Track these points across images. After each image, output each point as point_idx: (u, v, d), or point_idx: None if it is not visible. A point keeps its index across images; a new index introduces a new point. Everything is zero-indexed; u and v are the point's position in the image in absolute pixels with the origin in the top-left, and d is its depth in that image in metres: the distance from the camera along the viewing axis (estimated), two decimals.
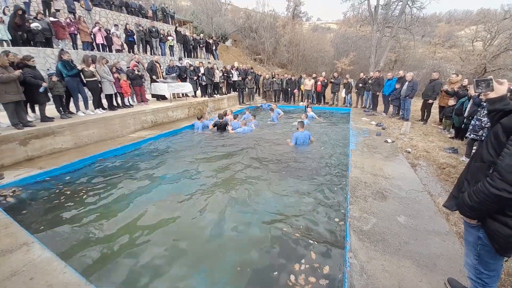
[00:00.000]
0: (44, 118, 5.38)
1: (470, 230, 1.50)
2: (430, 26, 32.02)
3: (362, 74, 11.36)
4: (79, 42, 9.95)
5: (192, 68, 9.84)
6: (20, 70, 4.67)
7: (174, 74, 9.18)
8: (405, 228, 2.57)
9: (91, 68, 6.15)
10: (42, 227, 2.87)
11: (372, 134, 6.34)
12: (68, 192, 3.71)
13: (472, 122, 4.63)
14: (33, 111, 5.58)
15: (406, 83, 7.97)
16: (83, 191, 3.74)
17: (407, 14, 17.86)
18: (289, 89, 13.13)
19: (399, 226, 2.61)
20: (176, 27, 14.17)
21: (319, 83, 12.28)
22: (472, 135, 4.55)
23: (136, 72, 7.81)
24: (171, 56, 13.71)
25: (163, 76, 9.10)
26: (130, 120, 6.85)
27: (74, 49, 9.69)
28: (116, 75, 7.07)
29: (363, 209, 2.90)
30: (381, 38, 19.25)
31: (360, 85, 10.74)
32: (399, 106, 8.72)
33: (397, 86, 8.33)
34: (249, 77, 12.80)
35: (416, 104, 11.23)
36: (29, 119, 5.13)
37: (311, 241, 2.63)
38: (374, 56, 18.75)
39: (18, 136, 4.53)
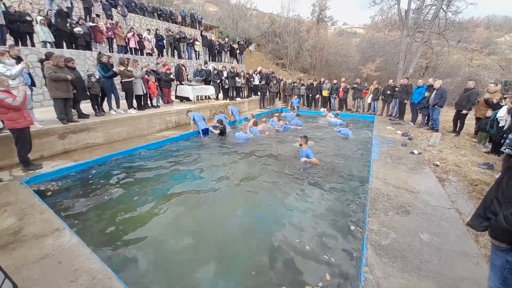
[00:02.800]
0: (81, 115, 5.89)
1: (499, 253, 1.39)
2: (467, 31, 29.81)
3: (391, 80, 10.91)
4: (114, 46, 10.75)
5: (216, 71, 10.15)
6: (71, 74, 5.17)
7: (200, 78, 9.54)
8: (427, 246, 2.42)
9: (131, 68, 6.63)
10: (73, 216, 3.13)
11: (397, 144, 6.05)
12: (97, 185, 4.01)
13: (510, 136, 4.23)
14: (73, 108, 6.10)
15: (434, 91, 7.52)
16: (110, 184, 4.03)
17: (441, 18, 16.82)
18: (310, 94, 13.01)
19: (421, 243, 2.46)
20: (201, 32, 14.72)
21: (341, 89, 12.03)
22: (507, 150, 4.15)
23: (170, 76, 8.28)
24: (197, 59, 14.27)
25: (188, 79, 9.50)
26: (156, 120, 7.22)
27: (110, 52, 10.49)
28: (146, 77, 7.54)
29: (383, 223, 2.78)
30: (411, 44, 18.31)
31: (388, 92, 10.30)
32: (428, 116, 8.22)
33: (427, 94, 7.87)
34: (274, 81, 12.90)
35: (447, 114, 10.51)
36: None
37: (325, 252, 2.58)
38: (403, 62, 17.88)
39: (57, 130, 5.00)
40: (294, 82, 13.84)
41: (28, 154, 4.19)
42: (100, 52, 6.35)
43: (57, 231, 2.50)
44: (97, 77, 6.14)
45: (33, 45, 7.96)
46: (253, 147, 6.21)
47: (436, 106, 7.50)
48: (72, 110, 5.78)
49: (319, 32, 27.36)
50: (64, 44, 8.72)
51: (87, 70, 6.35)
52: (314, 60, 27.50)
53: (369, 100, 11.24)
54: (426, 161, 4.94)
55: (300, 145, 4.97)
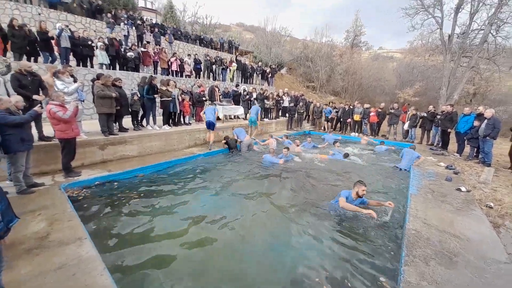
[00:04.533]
0: (122, 129, 6.44)
1: None
2: None
3: (431, 106, 10.08)
4: (158, 68, 11.91)
5: (245, 93, 10.51)
6: (116, 92, 5.79)
7: (229, 98, 9.96)
8: None
9: (171, 89, 7.23)
10: (96, 225, 3.27)
11: (441, 178, 5.36)
12: (125, 196, 4.20)
13: None
14: (115, 122, 6.72)
15: (485, 120, 6.66)
16: (137, 197, 4.18)
17: (490, 43, 15.49)
18: (341, 118, 12.62)
19: None
20: (236, 57, 15.65)
21: (372, 114, 11.45)
22: None
23: (203, 98, 8.82)
24: (231, 81, 15.07)
25: (219, 99, 9.96)
26: (186, 136, 7.57)
27: (154, 73, 11.63)
28: (182, 96, 8.11)
29: (423, 274, 2.34)
30: (455, 69, 17.03)
31: (428, 119, 9.49)
32: (478, 148, 7.26)
33: (476, 123, 7.02)
34: (301, 104, 12.88)
35: (500, 146, 9.20)
36: None
37: None
38: (446, 88, 16.57)
39: (99, 141, 5.50)
40: (326, 105, 13.63)
41: (70, 162, 4.62)
42: (152, 75, 7.03)
43: (79, 240, 2.61)
44: (139, 95, 6.73)
45: (91, 66, 9.21)
46: (281, 172, 5.96)
47: (487, 138, 6.60)
48: (114, 124, 6.38)
49: (353, 56, 27.13)
50: (117, 66, 9.96)
51: (132, 89, 7.03)
52: (346, 84, 27.07)
53: (406, 126, 10.44)
54: (476, 201, 4.24)
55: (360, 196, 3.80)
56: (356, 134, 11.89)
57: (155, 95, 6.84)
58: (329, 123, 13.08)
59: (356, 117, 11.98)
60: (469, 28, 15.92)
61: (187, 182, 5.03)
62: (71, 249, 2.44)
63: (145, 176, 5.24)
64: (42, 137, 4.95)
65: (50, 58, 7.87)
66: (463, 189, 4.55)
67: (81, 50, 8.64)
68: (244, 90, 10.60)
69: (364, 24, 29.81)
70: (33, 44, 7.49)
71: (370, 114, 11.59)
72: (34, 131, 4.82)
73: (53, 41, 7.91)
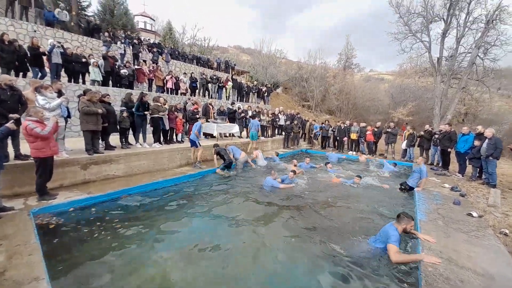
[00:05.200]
0: (108, 147, 6.05)
1: None
2: (506, 78, 28.00)
3: (427, 126, 10.04)
4: (153, 86, 11.81)
5: (240, 110, 10.36)
6: (103, 108, 5.49)
7: (224, 116, 9.77)
8: None
9: (165, 105, 7.00)
10: (60, 262, 2.78)
11: (447, 201, 5.03)
12: (103, 224, 3.71)
13: None
14: (102, 140, 6.34)
15: (486, 140, 6.53)
16: (117, 226, 3.70)
17: (479, 65, 16.08)
18: (337, 137, 12.49)
19: None
20: (232, 76, 15.81)
21: (369, 132, 11.37)
22: None
23: (196, 115, 8.59)
24: (227, 100, 15.05)
25: (214, 117, 9.76)
26: (178, 155, 7.20)
27: (149, 90, 11.49)
28: (175, 114, 7.85)
29: None
30: (446, 89, 17.48)
31: (426, 138, 9.40)
32: (480, 168, 7.05)
33: (477, 143, 6.87)
34: (295, 122, 12.77)
35: (501, 166, 9.04)
36: None
37: None
38: (439, 108, 16.84)
39: (81, 160, 5.09)
40: (322, 123, 13.55)
41: (46, 183, 4.18)
42: (142, 92, 6.82)
43: (35, 281, 2.14)
44: (128, 112, 6.44)
45: (83, 82, 9.00)
46: (284, 197, 5.43)
47: (490, 158, 6.41)
48: (100, 141, 5.99)
49: (346, 77, 27.92)
50: (110, 82, 9.79)
51: (120, 106, 6.76)
52: (340, 103, 27.54)
53: (403, 146, 10.30)
54: (490, 228, 3.90)
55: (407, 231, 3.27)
56: (354, 153, 11.71)
57: (146, 112, 6.56)
58: (316, 140, 13.11)
59: (353, 136, 11.88)
60: (456, 51, 16.59)
61: (175, 208, 4.56)
62: None
63: (129, 199, 4.77)
64: (18, 156, 4.54)
65: (39, 74, 7.65)
66: (474, 214, 4.22)
67: (73, 67, 8.47)
68: (239, 108, 10.45)
69: (356, 47, 31.21)
70: (23, 59, 7.29)
71: (367, 133, 11.51)
72: (10, 149, 4.45)
73: (44, 57, 7.74)
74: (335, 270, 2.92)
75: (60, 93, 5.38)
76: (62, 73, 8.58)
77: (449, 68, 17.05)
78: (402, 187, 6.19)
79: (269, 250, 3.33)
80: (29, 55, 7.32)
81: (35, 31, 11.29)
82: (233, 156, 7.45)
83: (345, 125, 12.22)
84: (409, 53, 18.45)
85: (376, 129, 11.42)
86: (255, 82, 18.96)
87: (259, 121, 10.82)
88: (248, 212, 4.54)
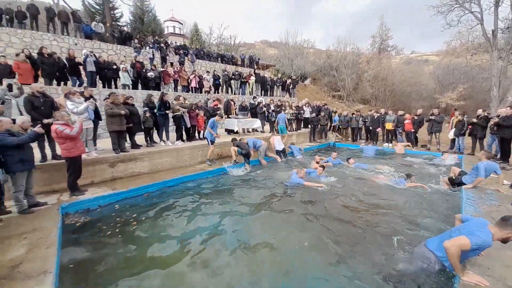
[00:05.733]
0: (134, 146, 6.39)
1: None
2: None
3: (480, 110, 8.51)
4: (179, 87, 12.25)
5: (261, 105, 10.12)
6: (126, 110, 5.80)
7: (245, 112, 9.65)
8: None
9: (179, 104, 7.15)
10: (74, 255, 2.93)
11: (504, 201, 4.12)
12: (123, 220, 3.88)
13: None
14: (127, 139, 6.71)
15: None
16: (134, 222, 3.84)
17: None
18: (370, 127, 11.43)
19: None
20: (254, 70, 15.57)
21: (407, 121, 10.12)
22: None
23: (217, 112, 8.63)
24: (250, 95, 14.94)
25: (235, 113, 9.70)
26: (199, 152, 7.30)
27: (174, 91, 11.96)
28: (197, 111, 7.98)
29: None
30: (505, 67, 14.69)
31: (480, 125, 7.96)
32: None
33: None
34: (322, 114, 12.04)
35: None
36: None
37: None
38: (497, 89, 14.28)
39: (109, 159, 5.44)
40: (352, 114, 12.55)
41: (76, 181, 4.54)
42: (163, 92, 7.07)
43: (43, 274, 2.26)
44: (150, 112, 6.70)
45: (116, 87, 9.71)
46: (306, 196, 4.99)
47: None
48: (127, 141, 6.35)
49: (381, 62, 25.46)
50: (140, 85, 10.41)
51: (139, 106, 7.09)
52: (375, 90, 25.27)
53: (451, 135, 8.92)
54: None
55: None
56: (390, 145, 10.58)
57: (167, 111, 6.75)
58: (335, 132, 12.28)
59: (388, 126, 10.72)
60: None
61: (192, 204, 4.56)
62: (29, 286, 2.09)
63: (152, 195, 4.94)
64: (55, 156, 5.01)
65: (77, 82, 8.45)
66: None
67: (106, 73, 9.18)
68: (259, 103, 10.20)
69: (393, 29, 28.23)
70: (62, 70, 8.11)
71: (405, 122, 10.28)
72: (47, 150, 4.95)
73: (81, 67, 8.52)
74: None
75: (91, 98, 5.83)
76: (97, 79, 9.39)
77: (507, 42, 14.28)
78: (454, 180, 5.24)
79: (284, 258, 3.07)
80: (67, 65, 8.12)
81: (76, 44, 12.56)
82: (254, 147, 7.34)
83: (379, 114, 11.09)
84: (456, 27, 15.91)
85: (416, 117, 10.12)
86: (279, 75, 18.41)
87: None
88: (266, 213, 4.27)
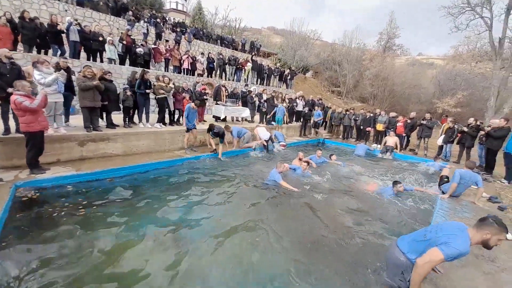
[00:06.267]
0: (110, 125, 6.11)
1: None
2: None
3: (472, 119, 8.35)
4: (170, 66, 11.75)
5: (253, 94, 9.79)
6: (99, 82, 5.46)
7: (235, 99, 9.34)
8: None
9: (159, 87, 6.79)
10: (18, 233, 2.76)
11: (478, 214, 4.04)
12: (74, 204, 3.66)
13: None
14: (102, 118, 6.37)
15: None
16: (91, 206, 3.65)
17: None
18: (361, 126, 11.24)
19: None
20: (252, 56, 15.02)
21: (400, 124, 9.94)
22: None
23: (204, 96, 8.31)
24: (245, 82, 14.49)
25: (225, 100, 9.38)
26: (180, 137, 7.05)
27: (165, 70, 11.48)
28: (183, 94, 7.66)
29: None
30: (507, 78, 14.45)
31: (470, 134, 7.83)
32: None
33: None
34: (319, 109, 11.76)
35: None
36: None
37: None
38: (495, 99, 14.12)
39: (78, 137, 5.17)
40: (346, 111, 12.28)
41: (37, 157, 4.30)
42: (144, 69, 6.69)
43: None
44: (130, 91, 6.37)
45: (101, 61, 9.24)
46: (280, 196, 4.75)
47: None
48: (100, 119, 6.05)
49: (385, 60, 24.90)
50: (127, 61, 9.92)
51: (124, 84, 6.74)
52: (375, 89, 24.90)
53: (440, 141, 8.79)
54: None
55: None
56: (379, 146, 10.44)
57: (148, 90, 6.42)
58: (316, 129, 11.96)
59: (379, 127, 10.57)
60: None
61: (155, 194, 4.33)
62: None
63: (117, 181, 4.72)
64: (18, 129, 4.71)
65: (59, 51, 7.98)
66: (509, 236, 3.26)
67: (91, 44, 8.68)
68: (251, 91, 9.87)
69: (402, 27, 27.42)
70: (44, 37, 7.61)
71: (397, 125, 10.10)
72: (11, 123, 4.66)
73: (63, 35, 8.01)
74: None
75: (68, 71, 5.48)
76: (82, 51, 8.89)
77: None
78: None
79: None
80: (48, 32, 7.61)
81: (66, 10, 11.83)
82: (238, 136, 7.27)
83: (371, 114, 10.88)
84: (464, 31, 15.46)
85: (409, 121, 9.94)
86: (278, 64, 17.87)
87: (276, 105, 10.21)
88: (237, 213, 4.02)
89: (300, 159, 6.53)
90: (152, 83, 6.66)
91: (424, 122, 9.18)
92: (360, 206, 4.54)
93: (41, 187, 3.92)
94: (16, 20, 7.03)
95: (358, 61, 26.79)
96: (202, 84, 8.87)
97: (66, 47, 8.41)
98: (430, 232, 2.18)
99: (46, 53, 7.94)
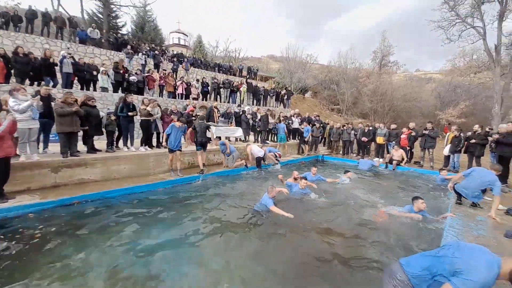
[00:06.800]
0: (90, 150, 5.89)
1: None
2: None
3: (476, 126, 7.85)
4: (164, 92, 11.95)
5: (246, 113, 9.66)
6: (78, 107, 5.37)
7: (227, 120, 9.21)
8: None
9: (147, 107, 6.71)
10: None
11: (495, 231, 3.41)
12: (43, 233, 3.32)
13: None
14: (85, 143, 6.18)
15: None
16: (50, 236, 3.26)
17: None
18: (361, 141, 10.80)
19: None
20: (246, 79, 15.30)
21: (403, 136, 9.47)
22: None
23: (192, 117, 8.20)
24: (241, 104, 14.54)
25: (217, 121, 9.24)
26: (165, 159, 6.75)
27: (160, 97, 11.66)
28: (171, 116, 7.56)
29: None
30: (508, 84, 14.07)
31: (478, 143, 7.25)
32: None
33: None
34: (317, 125, 11.45)
35: None
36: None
37: None
38: (500, 106, 13.59)
39: (52, 163, 4.93)
40: (343, 126, 11.92)
41: (2, 186, 4.02)
42: (126, 93, 6.69)
43: None
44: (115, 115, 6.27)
45: (94, 90, 9.42)
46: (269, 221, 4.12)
47: None
48: (83, 144, 5.87)
49: (381, 77, 25.12)
50: (120, 90, 10.12)
51: (108, 109, 6.69)
52: (374, 105, 24.75)
53: (446, 151, 8.20)
54: None
55: None
56: (381, 160, 9.87)
57: (130, 113, 6.30)
58: (306, 146, 11.32)
59: (380, 140, 10.12)
60: None
61: (130, 220, 3.94)
62: None
63: (86, 205, 4.34)
64: None
65: (51, 83, 8.18)
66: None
67: (84, 75, 8.93)
68: (244, 111, 9.74)
69: (397, 46, 28.13)
70: (38, 69, 7.86)
71: (401, 137, 9.60)
72: None
73: (57, 67, 8.28)
74: None
75: (49, 99, 5.45)
76: (76, 81, 9.14)
77: (511, 58, 13.76)
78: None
79: None
80: (42, 65, 7.88)
81: (68, 48, 12.55)
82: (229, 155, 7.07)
83: (370, 128, 10.49)
84: (457, 42, 15.55)
85: (413, 134, 9.37)
86: (273, 85, 18.13)
87: (269, 123, 10.00)
88: (216, 239, 3.57)
89: (295, 179, 6.00)
90: (135, 106, 6.57)
91: (427, 132, 8.69)
92: (359, 232, 3.91)
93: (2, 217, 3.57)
94: (10, 55, 7.32)
95: (355, 79, 27.15)
96: (192, 106, 8.81)
97: (59, 79, 8.64)
98: (444, 249, 1.72)
99: (39, 85, 8.13)
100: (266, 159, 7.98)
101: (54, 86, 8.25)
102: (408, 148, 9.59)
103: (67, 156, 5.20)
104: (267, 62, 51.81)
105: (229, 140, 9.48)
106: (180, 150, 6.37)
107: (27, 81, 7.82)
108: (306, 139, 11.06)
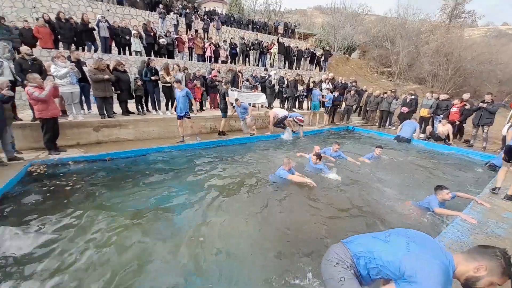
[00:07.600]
0: (124, 112, 6.60)
1: None
2: None
3: None
4: (194, 55, 12.01)
5: (271, 78, 9.26)
6: (110, 74, 5.89)
7: (251, 85, 9.01)
8: None
9: (165, 75, 6.96)
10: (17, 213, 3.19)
11: None
12: (83, 181, 4.13)
13: None
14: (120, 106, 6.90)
15: None
16: (94, 184, 4.05)
17: None
18: (401, 111, 9.60)
19: None
20: (278, 39, 14.12)
21: (455, 109, 8.05)
22: None
23: (215, 82, 8.25)
24: (272, 67, 13.85)
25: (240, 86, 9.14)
26: (189, 123, 7.18)
27: (189, 59, 11.81)
28: (195, 82, 7.75)
29: None
30: None
31: None
32: None
33: None
34: (352, 92, 10.47)
35: None
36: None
37: None
38: None
39: (92, 123, 5.74)
40: (384, 93, 10.62)
41: (53, 141, 4.92)
42: (149, 58, 6.94)
43: None
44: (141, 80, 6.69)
45: (130, 54, 9.99)
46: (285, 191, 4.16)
47: None
48: (120, 107, 6.55)
49: (449, 31, 20.42)
50: (152, 52, 10.50)
51: (135, 74, 7.11)
52: (435, 68, 20.79)
53: (504, 131, 6.79)
54: None
55: None
56: (421, 135, 8.77)
57: (153, 77, 6.61)
58: (327, 115, 10.31)
59: (424, 112, 8.83)
60: None
61: (154, 177, 4.49)
62: None
63: (117, 162, 5.09)
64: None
65: (92, 47, 8.90)
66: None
67: (120, 39, 9.43)
68: (269, 76, 9.32)
69: None
70: (80, 34, 8.57)
71: (451, 110, 8.18)
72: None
73: (95, 32, 8.87)
74: None
75: (80, 63, 6.05)
76: (113, 45, 9.76)
77: None
78: None
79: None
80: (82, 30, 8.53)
81: (108, 10, 13.13)
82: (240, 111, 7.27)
83: (412, 97, 9.14)
84: None
85: (467, 106, 7.83)
86: (308, 45, 16.46)
87: (297, 90, 9.51)
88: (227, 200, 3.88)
89: (315, 154, 5.72)
90: (158, 71, 6.84)
91: (484, 105, 7.21)
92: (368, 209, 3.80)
93: (51, 165, 4.50)
94: (54, 21, 8.04)
95: (416, 34, 22.60)
96: (217, 70, 8.75)
97: (99, 43, 9.30)
98: (392, 234, 1.55)
99: (83, 50, 8.95)
100: (287, 124, 7.77)
101: (95, 50, 9.00)
102: (457, 122, 8.20)
103: (104, 117, 5.96)
104: (312, 15, 46.25)
105: (254, 106, 9.45)
106: (189, 117, 6.34)
107: (73, 46, 8.64)
108: (330, 108, 10.11)
